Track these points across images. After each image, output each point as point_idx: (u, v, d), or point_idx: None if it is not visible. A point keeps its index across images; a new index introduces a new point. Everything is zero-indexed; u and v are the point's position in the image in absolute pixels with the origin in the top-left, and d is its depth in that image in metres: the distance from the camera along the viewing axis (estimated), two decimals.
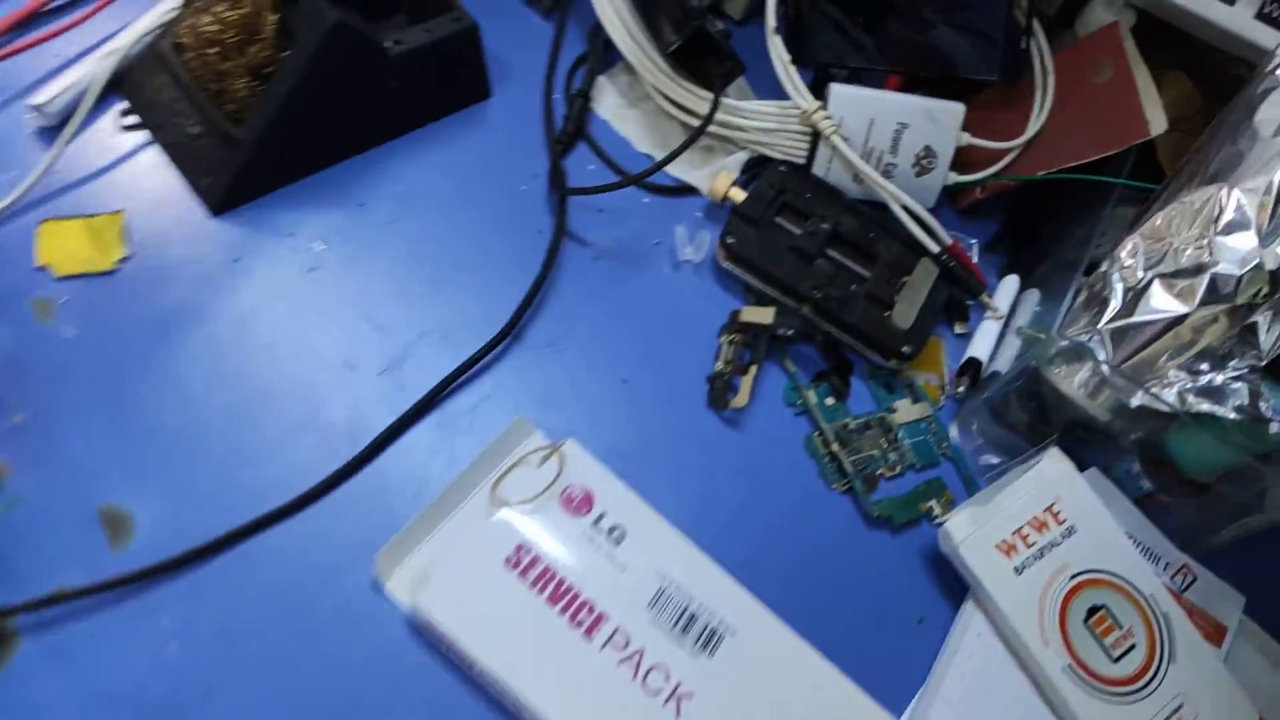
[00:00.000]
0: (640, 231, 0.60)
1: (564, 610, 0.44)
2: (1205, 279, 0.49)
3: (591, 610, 0.44)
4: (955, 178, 0.63)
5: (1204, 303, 0.49)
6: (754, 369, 0.55)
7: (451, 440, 0.50)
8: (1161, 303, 0.50)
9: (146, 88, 0.54)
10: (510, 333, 0.53)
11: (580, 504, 0.47)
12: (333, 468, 0.47)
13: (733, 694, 0.44)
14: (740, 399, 0.54)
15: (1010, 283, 0.63)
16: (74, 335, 0.47)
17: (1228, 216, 0.49)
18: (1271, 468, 0.51)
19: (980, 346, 0.59)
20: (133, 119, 0.54)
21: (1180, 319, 0.49)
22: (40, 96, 0.52)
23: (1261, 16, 0.58)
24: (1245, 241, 0.48)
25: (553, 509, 0.46)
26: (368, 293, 0.53)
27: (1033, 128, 0.62)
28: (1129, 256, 0.52)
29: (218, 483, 0.45)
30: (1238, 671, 0.53)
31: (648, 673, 0.43)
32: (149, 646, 0.41)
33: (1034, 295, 0.62)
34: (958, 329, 0.62)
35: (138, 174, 0.53)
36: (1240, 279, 0.48)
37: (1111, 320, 0.51)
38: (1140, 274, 0.51)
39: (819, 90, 0.68)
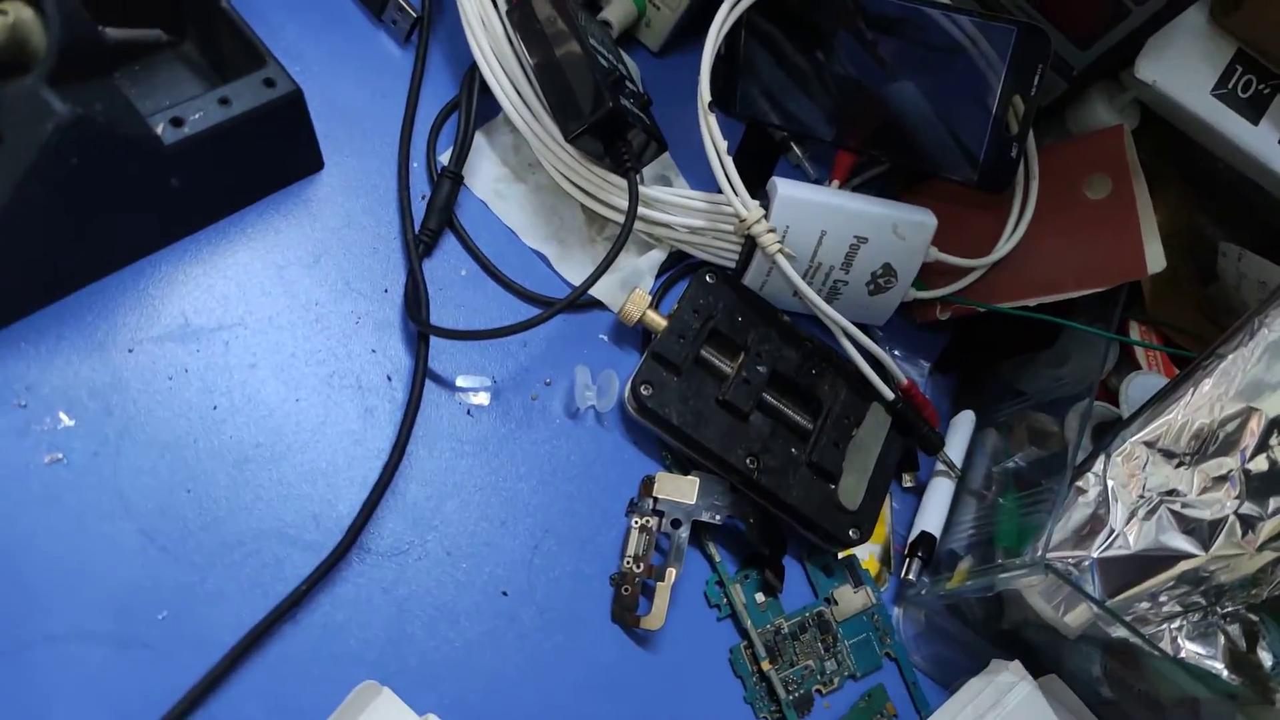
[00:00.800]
0: (527, 366, 0.46)
1: None
2: (1223, 519, 0.41)
3: None
4: (914, 293, 0.52)
5: (1218, 544, 0.41)
6: (672, 575, 0.43)
7: (271, 709, 0.36)
8: (1168, 538, 0.41)
9: None
10: (349, 546, 0.39)
11: None
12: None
13: None
14: (653, 619, 0.42)
15: (964, 423, 0.53)
16: None
17: (1256, 447, 0.40)
18: (1244, 706, 0.44)
19: (932, 516, 0.50)
20: None
21: (1188, 558, 0.41)
22: None
23: None
24: (1274, 482, 0.40)
25: None
26: (141, 492, 0.37)
27: (1006, 245, 0.51)
28: (1132, 469, 0.42)
29: None
30: None
31: None
32: None
33: (991, 438, 0.53)
34: (906, 481, 0.52)
35: None
36: (1262, 524, 0.40)
37: (1105, 549, 0.42)
38: (1143, 494, 0.42)
39: (752, 158, 0.55)
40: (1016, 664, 0.46)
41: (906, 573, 0.49)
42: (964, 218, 0.53)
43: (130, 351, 0.39)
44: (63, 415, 0.37)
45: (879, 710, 0.46)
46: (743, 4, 0.47)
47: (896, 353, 0.56)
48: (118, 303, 0.40)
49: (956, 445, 0.52)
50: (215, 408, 0.40)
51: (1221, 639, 0.44)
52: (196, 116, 0.38)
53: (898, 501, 0.52)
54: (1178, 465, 0.42)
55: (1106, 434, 0.48)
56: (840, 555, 0.49)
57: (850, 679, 0.47)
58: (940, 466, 0.51)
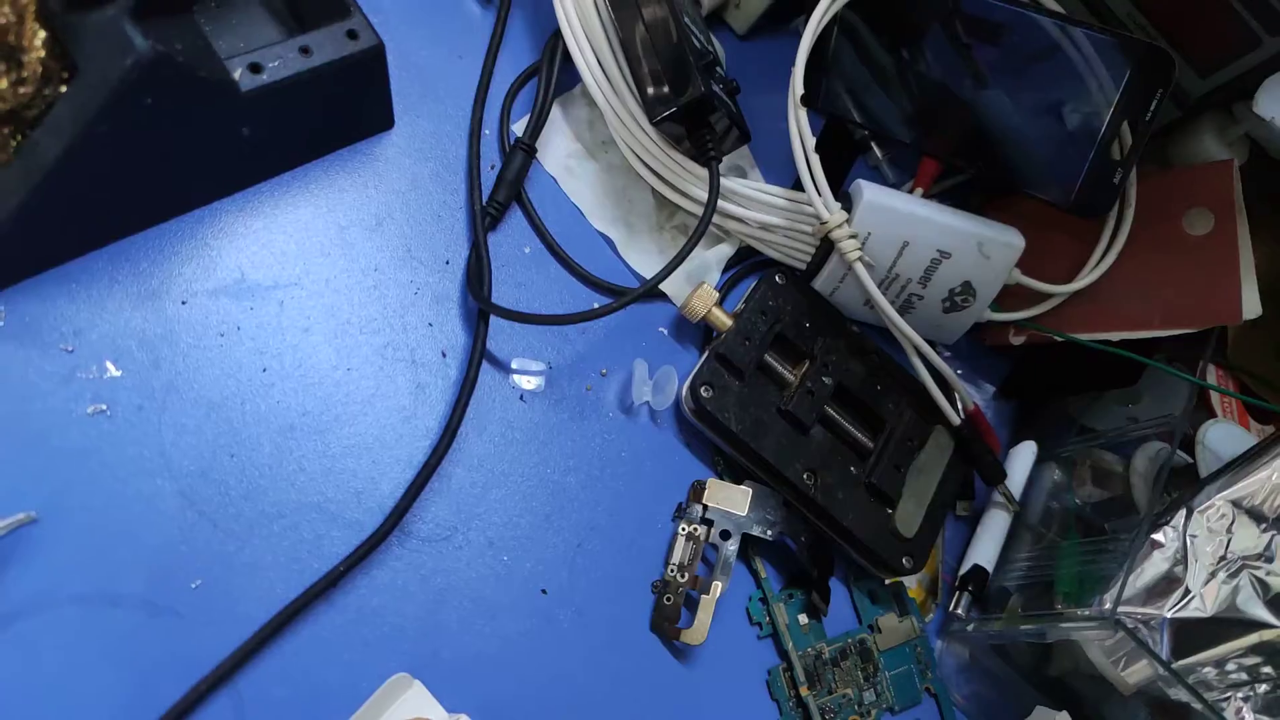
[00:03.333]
0: (584, 354, 0.44)
1: None
2: None
3: None
4: (991, 315, 0.49)
5: None
6: (717, 589, 0.41)
7: (299, 693, 0.35)
8: (1249, 605, 0.39)
9: None
10: (396, 525, 0.37)
11: None
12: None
13: None
14: (695, 634, 0.41)
15: (1025, 454, 0.51)
16: None
17: None
18: None
19: (986, 549, 0.48)
20: None
21: (1268, 626, 0.39)
22: None
23: None
24: None
25: None
26: (183, 452, 0.36)
27: (1093, 274, 0.49)
28: (1215, 527, 0.40)
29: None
30: None
31: None
32: None
33: (1051, 472, 0.51)
34: (959, 509, 0.50)
35: None
36: None
37: (1179, 609, 0.40)
38: (1225, 556, 0.40)
39: (830, 154, 0.52)
40: (1064, 715, 0.44)
41: (955, 606, 0.47)
42: (1049, 240, 0.50)
43: (184, 303, 0.37)
44: (110, 365, 0.36)
45: None
46: None
47: (960, 372, 0.54)
48: (175, 251, 0.38)
49: (1016, 477, 0.50)
50: (265, 370, 0.38)
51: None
52: (275, 64, 0.36)
53: (949, 530, 0.50)
54: (1265, 529, 0.40)
55: (1175, 482, 0.46)
56: (888, 581, 0.47)
57: (888, 712, 0.45)
58: (998, 498, 0.49)
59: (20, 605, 0.32)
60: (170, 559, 0.35)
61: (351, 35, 0.37)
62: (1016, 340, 0.51)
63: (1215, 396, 0.52)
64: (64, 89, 0.31)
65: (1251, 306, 0.47)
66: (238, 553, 0.36)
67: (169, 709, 0.33)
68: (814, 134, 0.52)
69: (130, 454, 0.35)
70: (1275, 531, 0.39)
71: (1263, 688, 0.41)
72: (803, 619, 0.44)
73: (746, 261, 0.50)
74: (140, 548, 0.34)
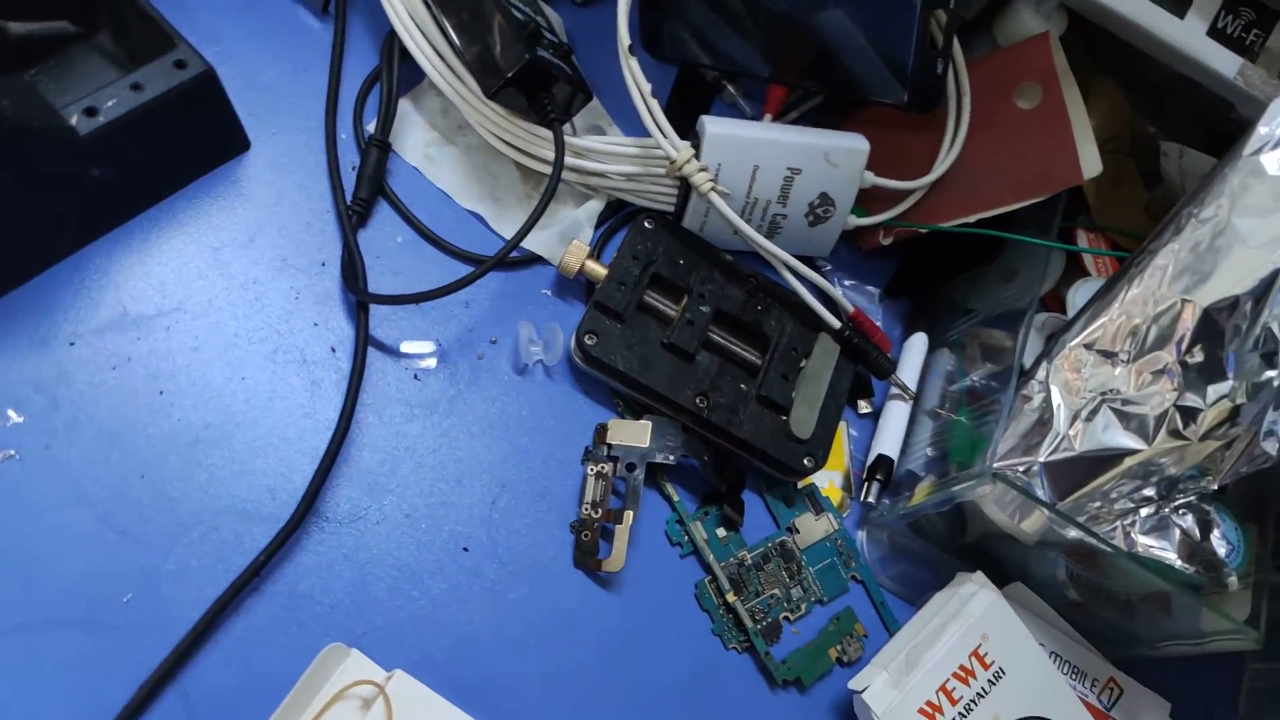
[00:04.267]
0: (472, 326, 0.47)
1: None
2: (1163, 412, 0.41)
3: None
4: (855, 221, 0.52)
5: (1160, 437, 0.41)
6: (629, 517, 0.44)
7: (241, 679, 0.37)
8: (1111, 435, 0.42)
9: None
10: (307, 511, 0.40)
11: None
12: None
13: None
14: (614, 561, 0.43)
15: (917, 346, 0.54)
16: None
17: (1192, 338, 0.41)
18: (1205, 597, 0.45)
19: (889, 439, 0.50)
20: None
21: (1132, 454, 0.41)
22: None
23: (1215, 33, 0.48)
24: (1213, 372, 0.40)
25: None
26: (95, 481, 0.38)
27: (944, 164, 0.51)
28: (1072, 371, 0.43)
29: None
30: None
31: None
32: None
33: (945, 359, 0.53)
34: (862, 408, 0.53)
35: None
36: (1203, 415, 0.40)
37: (1052, 452, 0.42)
38: (1086, 396, 0.42)
39: (687, 100, 0.55)
40: (979, 574, 0.47)
41: (866, 496, 0.49)
42: (903, 142, 0.53)
43: (72, 345, 0.40)
44: (11, 413, 0.38)
45: (848, 632, 0.47)
46: None
47: (848, 282, 0.56)
48: (56, 298, 0.40)
49: (910, 368, 0.53)
50: (161, 393, 0.40)
51: (1175, 531, 0.45)
52: (110, 104, 0.38)
53: (856, 429, 0.53)
54: (1116, 364, 0.42)
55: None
56: (800, 485, 0.49)
57: (818, 604, 0.48)
58: (894, 390, 0.52)
59: None
60: (99, 580, 0.37)
61: (179, 65, 0.40)
62: (886, 240, 0.54)
63: (1089, 259, 0.55)
64: None
65: (1091, 166, 0.50)
66: (163, 563, 0.38)
67: (118, 714, 0.35)
68: (670, 84, 0.55)
69: (44, 490, 0.37)
70: (1124, 365, 0.42)
71: (1145, 511, 0.44)
72: (721, 532, 0.47)
73: (620, 213, 0.52)
74: (69, 574, 0.37)
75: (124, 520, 0.38)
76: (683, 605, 0.45)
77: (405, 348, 0.45)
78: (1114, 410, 0.42)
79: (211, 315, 0.42)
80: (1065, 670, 0.49)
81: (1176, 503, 0.44)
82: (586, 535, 0.44)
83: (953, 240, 0.52)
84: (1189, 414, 0.41)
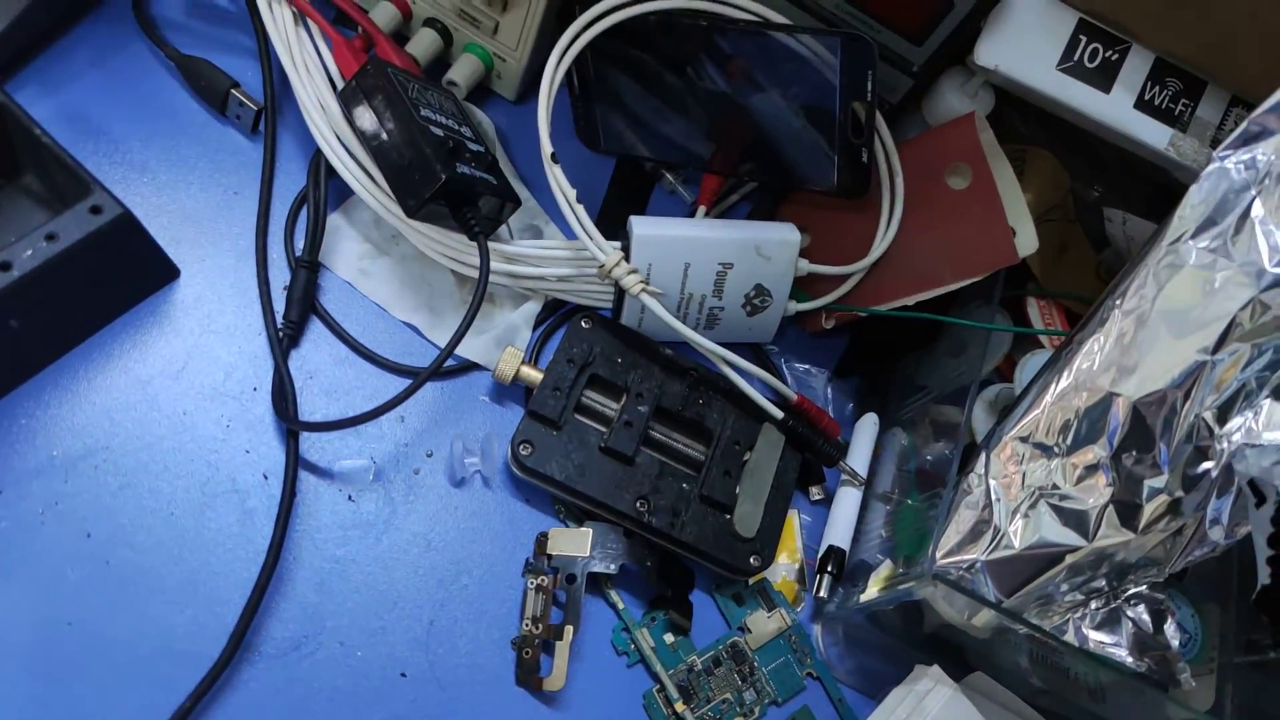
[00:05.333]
0: (407, 441, 0.47)
1: None
2: (1100, 507, 0.40)
3: None
4: (796, 306, 0.52)
5: (1100, 532, 0.40)
6: (569, 633, 0.43)
7: None
8: (1051, 532, 0.41)
9: None
10: (234, 652, 0.39)
11: None
12: None
13: None
14: (554, 680, 0.43)
15: (868, 426, 0.53)
16: None
17: (1124, 433, 0.40)
18: (1171, 692, 0.44)
19: (840, 528, 0.50)
20: None
21: (1074, 549, 0.41)
22: None
23: (1142, 105, 0.47)
24: (1147, 467, 0.39)
25: None
26: (21, 630, 0.38)
27: (880, 247, 0.51)
28: (1008, 464, 0.42)
29: None
30: None
31: None
32: None
33: (898, 438, 0.53)
34: (814, 494, 0.52)
35: None
36: (1142, 509, 0.39)
37: (992, 550, 0.41)
38: (1024, 491, 0.42)
39: (627, 191, 0.55)
40: (935, 669, 0.46)
41: (818, 590, 0.49)
42: (843, 225, 0.53)
43: (0, 493, 0.40)
44: None
45: None
46: (571, 51, 0.47)
47: (799, 366, 0.56)
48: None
49: (860, 451, 0.52)
50: (89, 535, 0.40)
51: (1127, 624, 0.43)
52: (26, 255, 0.39)
53: (808, 514, 0.52)
54: (1051, 458, 0.42)
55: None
56: (751, 581, 0.49)
57: (773, 705, 0.47)
58: (844, 477, 0.51)
59: None
60: None
61: (95, 210, 0.40)
62: (829, 324, 0.53)
63: (1042, 328, 0.54)
64: None
65: (1027, 244, 0.49)
66: (95, 712, 0.38)
67: None
68: (608, 175, 0.55)
69: None
70: (1059, 458, 0.41)
71: (1095, 603, 0.43)
72: (669, 638, 0.46)
73: (558, 312, 0.52)
74: None
75: (51, 669, 0.38)
76: (631, 718, 0.44)
77: (339, 469, 0.45)
78: (1052, 506, 0.41)
79: (140, 452, 0.42)
80: None
81: (1129, 592, 0.43)
82: (528, 653, 0.43)
83: (894, 321, 0.52)
84: (1128, 509, 0.40)
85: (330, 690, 0.41)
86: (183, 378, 0.44)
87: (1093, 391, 0.41)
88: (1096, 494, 0.40)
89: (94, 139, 0.47)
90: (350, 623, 0.42)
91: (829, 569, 0.49)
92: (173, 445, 0.43)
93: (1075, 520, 0.41)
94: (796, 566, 0.50)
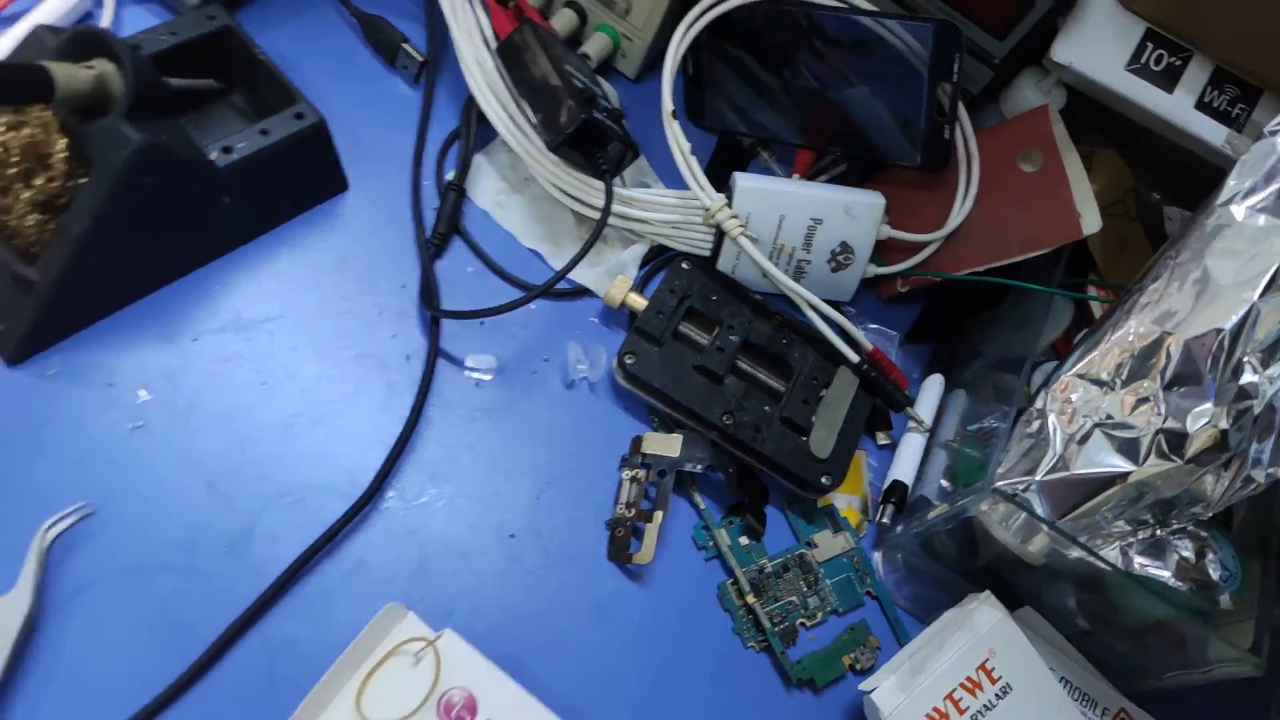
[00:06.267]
0: (528, 346, 0.53)
1: None
2: (1151, 435, 0.45)
3: None
4: (875, 270, 0.58)
5: (1150, 459, 0.45)
6: (659, 517, 0.49)
7: (312, 629, 0.43)
8: (1104, 456, 0.45)
9: None
10: (376, 491, 0.46)
11: (460, 712, 0.41)
12: (176, 672, 0.40)
13: None
14: (644, 555, 0.48)
15: (934, 385, 0.58)
16: None
17: (1174, 368, 0.45)
18: (1212, 627, 0.47)
19: (904, 466, 0.55)
20: None
21: (1124, 475, 0.45)
22: None
23: (1202, 106, 0.53)
24: (1195, 399, 0.44)
25: (430, 711, 0.40)
26: (205, 452, 0.45)
27: (955, 219, 0.57)
28: (1067, 398, 0.47)
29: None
30: None
31: None
32: None
33: (960, 399, 0.58)
34: (880, 439, 0.57)
35: None
36: (1188, 437, 0.44)
37: (1049, 472, 0.46)
38: (1080, 421, 0.46)
39: (726, 163, 0.62)
40: (987, 593, 0.50)
41: (881, 516, 0.53)
42: (919, 202, 0.59)
43: (195, 340, 0.47)
44: (142, 392, 0.46)
45: (862, 642, 0.51)
46: (695, 28, 0.55)
47: (872, 327, 0.61)
48: (184, 302, 0.48)
49: (926, 405, 0.57)
50: (264, 384, 0.47)
51: (1173, 555, 0.48)
52: (242, 145, 0.47)
53: (874, 459, 0.57)
54: (1106, 391, 0.46)
55: None
56: (820, 505, 0.54)
57: (833, 614, 0.51)
58: (910, 424, 0.56)
59: (84, 579, 0.41)
60: (202, 534, 0.43)
61: (299, 116, 0.48)
62: (904, 288, 0.59)
63: (1095, 308, 0.59)
64: (84, 181, 0.42)
65: (1091, 223, 0.55)
66: (255, 525, 0.44)
67: (209, 646, 0.41)
68: (709, 151, 0.63)
69: (164, 457, 0.44)
70: (1114, 391, 0.46)
71: (1143, 534, 0.47)
72: (743, 540, 0.51)
73: (661, 257, 0.59)
74: (177, 527, 0.43)
75: (227, 486, 0.45)
76: (706, 604, 0.49)
77: (470, 361, 0.51)
78: (1105, 433, 0.46)
79: (308, 323, 0.50)
80: (1075, 696, 0.51)
81: (1173, 527, 0.47)
82: (620, 531, 0.49)
83: (966, 290, 0.57)
84: (1176, 437, 0.45)
85: (449, 539, 0.47)
86: (345, 270, 0.52)
87: (1147, 333, 0.46)
88: (1147, 423, 0.45)
89: (287, 74, 0.56)
90: (470, 485, 0.48)
91: (892, 500, 0.54)
92: (335, 323, 0.50)
93: (1127, 447, 0.45)
94: (861, 500, 0.55)
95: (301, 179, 0.51)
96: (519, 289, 0.55)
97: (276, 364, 0.48)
